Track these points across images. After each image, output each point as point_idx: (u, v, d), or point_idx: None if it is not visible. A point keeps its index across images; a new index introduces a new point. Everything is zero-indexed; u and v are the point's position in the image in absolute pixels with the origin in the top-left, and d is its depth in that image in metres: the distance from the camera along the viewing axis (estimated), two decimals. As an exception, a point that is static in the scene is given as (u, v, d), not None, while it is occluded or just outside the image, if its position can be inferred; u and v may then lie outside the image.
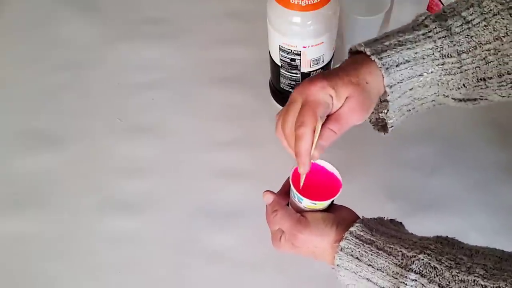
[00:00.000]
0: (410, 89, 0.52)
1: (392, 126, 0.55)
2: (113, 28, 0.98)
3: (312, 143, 0.49)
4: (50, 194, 0.79)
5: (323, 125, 0.50)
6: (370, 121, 0.59)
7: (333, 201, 0.54)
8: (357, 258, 0.49)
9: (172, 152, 0.83)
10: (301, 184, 0.53)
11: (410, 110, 0.55)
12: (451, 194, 0.77)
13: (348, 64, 0.53)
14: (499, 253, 0.46)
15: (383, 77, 0.51)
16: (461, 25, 0.51)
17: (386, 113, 0.54)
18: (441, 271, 0.44)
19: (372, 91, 0.51)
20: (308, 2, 0.67)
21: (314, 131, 0.49)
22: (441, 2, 0.91)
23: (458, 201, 0.76)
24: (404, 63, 0.51)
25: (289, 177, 0.54)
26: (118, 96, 0.90)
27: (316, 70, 0.77)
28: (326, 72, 0.52)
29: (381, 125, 0.58)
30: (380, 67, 0.50)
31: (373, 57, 0.50)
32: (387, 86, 0.51)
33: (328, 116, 0.51)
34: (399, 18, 0.87)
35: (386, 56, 0.50)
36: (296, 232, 0.52)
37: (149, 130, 0.85)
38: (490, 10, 0.51)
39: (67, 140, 0.84)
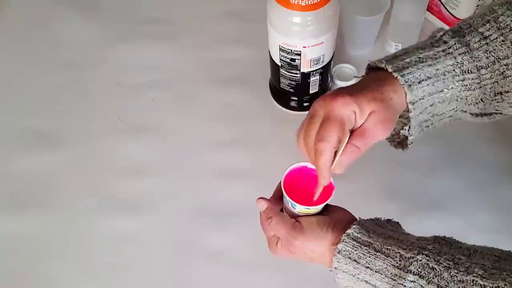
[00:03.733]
0: (431, 105, 0.52)
1: (412, 143, 0.55)
2: (113, 28, 0.98)
3: (334, 158, 0.49)
4: (50, 194, 0.79)
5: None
6: (386, 138, 0.58)
7: (327, 204, 0.54)
8: (355, 260, 0.48)
9: (172, 152, 0.83)
10: (316, 196, 0.52)
11: (428, 126, 0.55)
12: (451, 194, 0.77)
13: (370, 81, 0.52)
14: (497, 252, 0.46)
15: (405, 94, 0.50)
16: (479, 40, 0.51)
17: (408, 130, 0.53)
18: (439, 272, 0.44)
19: (395, 107, 0.51)
20: (308, 2, 0.67)
21: (334, 146, 0.48)
22: (441, 2, 0.91)
23: (458, 201, 0.76)
24: (426, 79, 0.51)
25: (280, 184, 0.54)
26: (118, 96, 0.90)
27: (316, 70, 0.77)
28: (349, 88, 0.51)
29: (398, 141, 0.58)
30: (402, 84, 0.50)
31: (395, 74, 0.50)
32: (410, 103, 0.51)
33: (352, 132, 0.50)
34: (399, 18, 0.87)
35: (408, 73, 0.50)
36: (292, 239, 0.52)
37: (149, 130, 0.85)
38: (507, 25, 0.51)
39: (67, 140, 0.84)
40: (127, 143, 0.84)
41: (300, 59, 0.74)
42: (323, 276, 0.67)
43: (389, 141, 0.59)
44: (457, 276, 0.43)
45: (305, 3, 0.67)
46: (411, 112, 0.51)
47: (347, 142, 0.49)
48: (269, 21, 0.73)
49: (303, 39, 0.71)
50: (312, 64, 0.75)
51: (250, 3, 0.97)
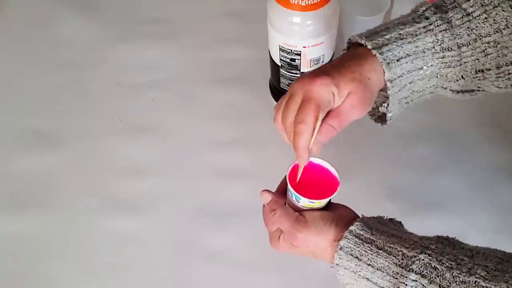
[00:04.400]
0: (410, 83, 0.52)
1: (391, 119, 0.55)
2: (113, 28, 0.98)
3: (311, 139, 0.49)
4: (50, 194, 0.79)
5: (323, 120, 0.50)
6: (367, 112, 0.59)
7: (331, 199, 0.54)
8: (356, 257, 0.48)
9: (172, 152, 0.83)
10: (298, 178, 0.53)
11: (408, 103, 0.55)
12: (451, 194, 0.76)
13: (348, 58, 0.52)
14: (500, 254, 0.46)
15: (384, 72, 0.51)
16: (462, 17, 0.51)
17: (387, 107, 0.53)
18: (442, 272, 0.44)
19: (373, 86, 0.51)
20: (308, 2, 0.67)
21: (313, 127, 0.49)
22: (441, 2, 0.91)
23: (459, 201, 0.76)
24: (405, 57, 0.51)
25: (286, 177, 0.54)
26: (118, 96, 0.90)
27: (316, 70, 0.77)
28: (328, 68, 0.51)
29: (378, 116, 0.58)
30: (381, 62, 0.50)
31: (374, 52, 0.50)
32: (388, 80, 0.51)
33: (329, 112, 0.51)
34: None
35: (387, 50, 0.50)
36: (295, 231, 0.52)
37: (149, 130, 0.85)
38: (491, 2, 0.51)
39: (67, 140, 0.84)
40: (127, 143, 0.84)
41: (300, 59, 0.74)
42: (322, 276, 0.68)
43: (369, 115, 0.59)
44: (459, 277, 0.43)
45: (305, 3, 0.67)
46: (389, 89, 0.51)
47: (324, 122, 0.50)
48: (269, 21, 0.73)
49: (303, 39, 0.71)
50: (312, 64, 0.75)
51: (250, 3, 0.97)
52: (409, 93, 0.54)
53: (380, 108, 0.55)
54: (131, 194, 0.79)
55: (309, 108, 0.49)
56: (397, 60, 0.51)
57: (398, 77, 0.51)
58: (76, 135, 0.85)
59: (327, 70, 0.51)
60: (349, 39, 0.55)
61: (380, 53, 0.50)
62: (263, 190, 0.56)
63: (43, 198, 0.79)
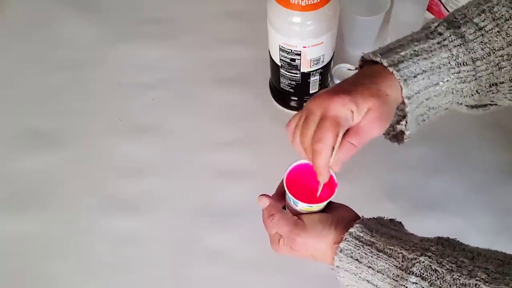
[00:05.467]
0: (427, 99, 0.52)
1: (408, 138, 0.55)
2: (113, 28, 0.98)
3: (330, 157, 0.49)
4: (50, 194, 0.79)
5: (342, 138, 0.49)
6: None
7: (329, 201, 0.54)
8: (357, 259, 0.48)
9: (172, 152, 0.83)
10: (319, 192, 0.53)
11: (424, 120, 0.54)
12: (451, 194, 0.76)
13: (365, 76, 0.52)
14: (501, 256, 0.45)
15: (401, 89, 0.50)
16: (475, 32, 0.51)
17: (405, 125, 0.53)
18: (442, 274, 0.44)
19: (391, 102, 0.50)
20: (308, 2, 0.67)
21: (332, 146, 0.48)
22: (441, 2, 0.91)
23: (458, 201, 0.76)
24: (421, 73, 0.50)
25: (283, 181, 0.54)
26: (118, 96, 0.90)
27: (316, 70, 0.77)
28: (345, 85, 0.51)
29: (393, 135, 0.58)
30: (398, 79, 0.50)
31: (390, 69, 0.50)
32: (406, 97, 0.50)
33: (348, 130, 0.50)
34: (399, 18, 0.87)
35: (403, 67, 0.50)
36: (294, 236, 0.52)
37: (149, 130, 0.85)
38: (502, 15, 0.51)
39: (67, 140, 0.84)
40: (127, 143, 0.84)
41: (300, 59, 0.74)
42: (322, 276, 0.68)
43: (384, 135, 0.58)
44: (459, 280, 0.43)
45: (305, 3, 0.67)
46: (407, 106, 0.51)
47: (344, 139, 0.49)
48: (269, 21, 0.73)
49: (303, 39, 0.71)
50: (312, 64, 0.75)
51: (250, 3, 0.97)
52: (425, 110, 0.53)
53: (398, 126, 0.55)
54: (131, 194, 0.79)
55: (327, 126, 0.48)
56: (414, 77, 0.50)
57: (415, 93, 0.51)
58: (76, 135, 0.85)
59: (344, 87, 0.50)
60: (362, 57, 0.54)
61: (397, 70, 0.50)
62: (261, 195, 0.55)
63: (43, 198, 0.79)
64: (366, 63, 0.54)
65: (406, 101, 0.50)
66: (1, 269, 0.73)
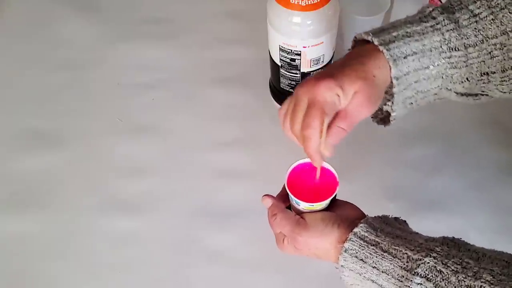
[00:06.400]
0: (415, 82, 0.52)
1: (394, 119, 0.55)
2: (113, 28, 0.98)
3: (319, 142, 0.49)
4: (50, 194, 0.79)
5: (331, 122, 0.49)
6: None
7: (332, 199, 0.54)
8: (361, 260, 0.48)
9: (172, 152, 0.83)
10: (317, 176, 0.53)
11: (412, 103, 0.54)
12: (451, 194, 0.76)
13: (353, 56, 0.52)
14: (506, 257, 0.45)
15: (390, 69, 0.50)
16: (469, 18, 0.51)
17: (391, 106, 0.53)
18: (447, 276, 0.44)
19: (379, 84, 0.50)
20: (308, 2, 0.67)
21: (321, 131, 0.48)
22: (441, 2, 0.91)
23: (458, 201, 0.76)
24: (412, 54, 0.50)
25: (284, 181, 0.54)
26: (118, 96, 0.90)
27: (316, 70, 0.77)
28: (332, 69, 0.51)
29: (380, 118, 0.58)
30: (388, 58, 0.50)
31: (381, 48, 0.50)
32: (394, 78, 0.50)
33: (336, 113, 0.50)
34: (399, 18, 0.87)
35: (394, 47, 0.50)
36: (296, 235, 0.52)
37: (149, 130, 0.85)
38: (498, 4, 0.51)
39: (67, 140, 0.84)
40: (127, 143, 0.84)
41: (300, 59, 0.74)
42: (323, 276, 0.68)
43: (372, 117, 0.58)
44: (464, 281, 0.43)
45: (305, 3, 0.67)
46: (395, 87, 0.51)
47: (332, 123, 0.50)
48: (269, 21, 0.73)
49: (303, 39, 0.71)
50: (312, 64, 0.75)
51: (250, 3, 0.97)
52: (413, 93, 0.53)
53: (384, 107, 0.55)
54: (131, 194, 0.79)
55: (314, 112, 0.48)
56: (404, 57, 0.50)
57: (404, 74, 0.51)
58: (76, 135, 0.85)
59: (330, 71, 0.50)
60: (355, 37, 0.54)
61: (387, 49, 0.49)
62: (264, 195, 0.56)
63: (43, 198, 0.79)
64: (358, 43, 0.54)
65: (394, 81, 0.50)
66: (1, 269, 0.73)
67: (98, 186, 0.80)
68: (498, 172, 0.78)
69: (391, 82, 0.51)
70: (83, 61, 0.94)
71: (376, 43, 0.50)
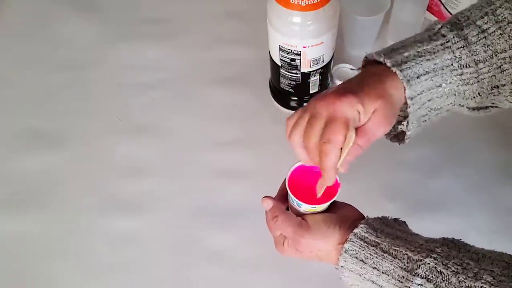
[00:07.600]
0: (429, 100, 0.52)
1: (409, 138, 0.55)
2: (113, 28, 0.98)
3: (339, 159, 0.48)
4: (50, 194, 0.79)
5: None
6: None
7: (333, 201, 0.54)
8: (361, 260, 0.48)
9: (172, 152, 0.83)
10: (319, 194, 0.52)
11: (426, 121, 0.54)
12: (451, 194, 0.77)
13: (369, 76, 0.51)
14: (506, 258, 0.45)
15: (404, 89, 0.50)
16: (477, 34, 0.51)
17: (406, 125, 0.53)
18: (447, 276, 0.44)
19: (395, 103, 0.50)
20: (308, 2, 0.67)
21: (341, 147, 0.48)
22: (441, 2, 0.91)
23: (458, 201, 0.76)
24: (424, 74, 0.50)
25: (285, 182, 0.54)
26: (118, 96, 0.90)
27: (316, 70, 0.77)
28: (350, 85, 0.50)
29: (394, 135, 0.58)
30: (401, 79, 0.50)
31: (394, 69, 0.50)
32: (409, 98, 0.50)
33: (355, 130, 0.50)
34: (399, 18, 0.87)
35: (407, 68, 0.50)
36: (298, 237, 0.52)
37: (149, 130, 0.85)
38: (505, 18, 0.51)
39: (67, 140, 0.84)
40: (127, 143, 0.84)
41: (300, 59, 0.74)
42: (323, 276, 0.68)
43: (385, 135, 0.58)
44: (465, 282, 0.43)
45: (305, 3, 0.67)
46: (409, 107, 0.51)
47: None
48: (269, 21, 0.73)
49: (303, 39, 0.71)
50: (312, 64, 0.75)
51: (250, 3, 0.97)
52: (427, 111, 0.53)
53: (399, 126, 0.54)
54: (131, 194, 0.79)
55: (337, 128, 0.47)
56: (417, 77, 0.50)
57: (418, 94, 0.51)
58: (76, 135, 0.85)
59: (350, 88, 0.49)
60: (366, 57, 0.54)
61: (400, 70, 0.50)
62: (264, 197, 0.55)
63: (43, 198, 0.79)
64: (369, 64, 0.54)
65: (408, 101, 0.50)
66: (1, 269, 0.73)
67: (98, 186, 0.80)
68: (497, 173, 0.78)
69: (405, 102, 0.51)
70: (83, 61, 0.94)
71: (389, 64, 0.50)
